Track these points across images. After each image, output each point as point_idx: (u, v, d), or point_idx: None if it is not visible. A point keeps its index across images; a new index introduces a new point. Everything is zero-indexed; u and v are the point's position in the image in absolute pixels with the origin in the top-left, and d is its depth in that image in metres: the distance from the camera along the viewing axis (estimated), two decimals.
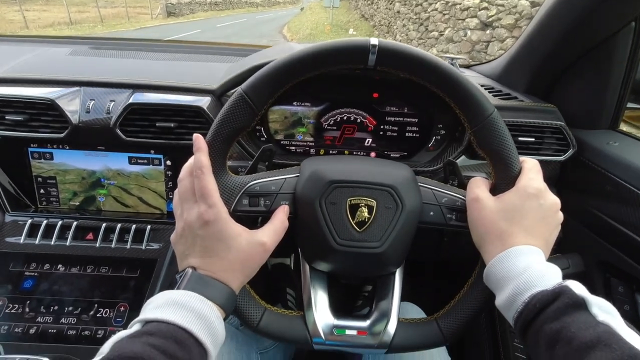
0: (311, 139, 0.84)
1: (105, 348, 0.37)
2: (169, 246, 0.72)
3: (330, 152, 0.85)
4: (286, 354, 0.90)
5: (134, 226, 0.73)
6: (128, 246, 0.72)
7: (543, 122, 0.79)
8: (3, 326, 0.65)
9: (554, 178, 0.87)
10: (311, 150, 0.85)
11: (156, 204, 0.78)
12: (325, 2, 14.98)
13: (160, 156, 0.76)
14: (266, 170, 0.61)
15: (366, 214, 0.53)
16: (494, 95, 0.87)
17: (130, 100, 0.72)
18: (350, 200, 0.54)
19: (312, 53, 0.51)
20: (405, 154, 0.85)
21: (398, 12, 10.68)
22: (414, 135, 0.84)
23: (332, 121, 0.83)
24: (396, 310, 0.57)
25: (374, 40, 0.50)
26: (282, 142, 0.84)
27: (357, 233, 0.53)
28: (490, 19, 6.43)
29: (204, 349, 0.39)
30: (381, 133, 0.84)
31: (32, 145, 0.75)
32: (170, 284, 0.69)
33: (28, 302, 0.67)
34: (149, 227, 0.73)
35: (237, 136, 0.54)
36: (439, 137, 0.84)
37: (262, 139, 0.82)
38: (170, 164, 0.77)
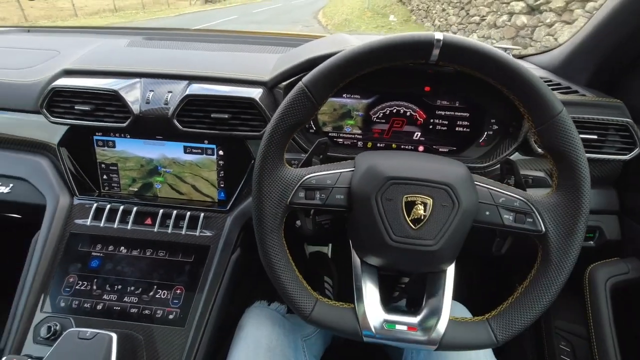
0: (359, 131, 0.84)
1: None
2: (221, 234, 0.75)
3: (378, 145, 0.85)
4: (325, 340, 0.93)
5: (188, 213, 0.76)
6: (183, 232, 0.75)
7: (608, 119, 0.74)
8: (74, 301, 0.71)
9: (613, 177, 0.83)
10: (358, 143, 0.85)
11: (208, 192, 0.81)
12: None
13: (214, 146, 0.79)
14: (320, 164, 0.62)
15: (422, 212, 0.53)
16: (553, 89, 0.83)
17: (187, 92, 0.74)
18: (407, 197, 0.53)
19: (375, 48, 0.50)
20: (455, 148, 0.83)
21: None
22: (465, 130, 0.82)
23: (381, 114, 0.82)
24: (447, 308, 0.56)
25: (439, 35, 0.49)
26: (330, 134, 0.84)
27: (413, 230, 0.53)
28: (538, 2, 6.04)
29: None
30: (430, 127, 0.82)
31: (97, 133, 0.80)
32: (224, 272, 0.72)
33: (95, 280, 0.72)
34: (202, 214, 0.76)
35: (296, 129, 0.55)
36: (490, 133, 0.81)
37: (311, 131, 0.83)
38: (222, 153, 0.79)
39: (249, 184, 0.78)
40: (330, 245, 1.52)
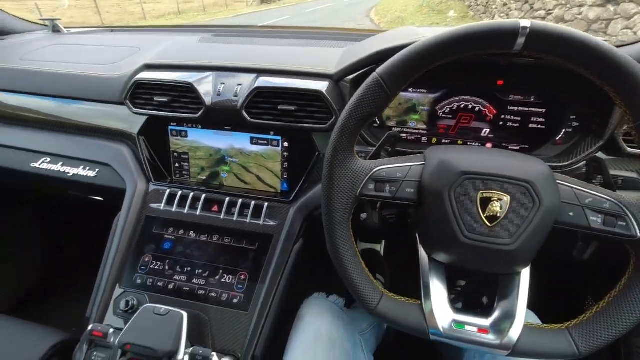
0: (424, 127, 0.82)
1: None
2: (284, 224, 0.77)
3: (443, 141, 0.82)
4: (378, 337, 0.92)
5: (253, 202, 0.79)
6: (248, 220, 0.78)
7: None
8: (149, 279, 0.76)
9: None
10: (423, 138, 0.82)
11: (272, 182, 0.83)
12: None
13: (279, 138, 0.81)
14: (388, 157, 0.62)
15: (498, 209, 0.51)
16: None
17: (257, 85, 0.76)
18: (482, 194, 0.51)
19: (455, 37, 0.49)
20: (527, 146, 0.78)
21: None
22: (539, 126, 0.77)
23: (448, 109, 0.79)
24: (522, 313, 0.53)
25: (525, 22, 0.46)
26: (393, 128, 0.83)
27: (488, 228, 0.51)
28: None
29: None
30: (501, 123, 0.78)
31: (172, 124, 0.85)
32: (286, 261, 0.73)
33: (167, 261, 0.77)
34: (266, 204, 0.78)
35: (368, 120, 0.55)
36: (570, 130, 0.75)
37: (375, 125, 0.82)
38: (287, 145, 0.81)
39: (312, 176, 0.79)
40: (383, 243, 1.50)
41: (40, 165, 0.91)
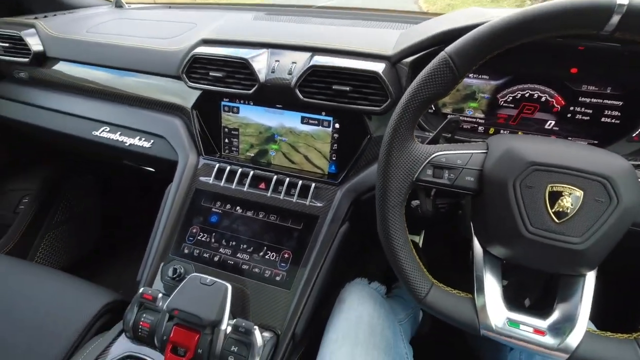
0: (482, 115, 0.77)
1: None
2: (331, 205, 0.76)
3: (501, 131, 0.77)
4: (413, 328, 0.90)
5: (300, 182, 0.78)
6: (294, 200, 0.77)
7: None
8: (196, 250, 0.78)
9: None
10: (479, 128, 0.78)
11: (319, 163, 0.82)
12: None
13: (330, 118, 0.79)
14: (445, 142, 0.59)
15: (569, 204, 0.47)
16: None
17: (312, 63, 0.75)
18: (552, 187, 0.47)
19: (538, 13, 0.45)
20: (596, 142, 0.72)
21: None
22: (613, 121, 0.70)
23: (511, 98, 0.75)
24: (585, 318, 0.49)
25: None
26: (449, 115, 0.79)
27: (555, 224, 0.47)
28: None
29: None
30: (569, 115, 0.72)
31: (224, 99, 0.86)
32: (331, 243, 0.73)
33: (214, 234, 0.79)
34: (313, 184, 0.78)
35: (432, 102, 0.52)
36: None
37: (429, 110, 0.79)
38: (338, 126, 0.79)
39: (362, 159, 0.77)
40: (422, 234, 1.47)
41: (100, 133, 0.95)
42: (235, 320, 0.65)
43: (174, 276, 0.75)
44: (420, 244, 1.45)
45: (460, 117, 0.78)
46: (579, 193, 0.47)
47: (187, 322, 0.64)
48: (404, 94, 0.52)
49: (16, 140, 1.17)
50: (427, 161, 0.53)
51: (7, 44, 1.03)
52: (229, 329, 0.65)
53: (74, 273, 0.92)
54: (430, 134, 0.72)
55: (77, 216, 1.42)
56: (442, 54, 0.50)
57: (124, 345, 0.70)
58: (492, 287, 0.53)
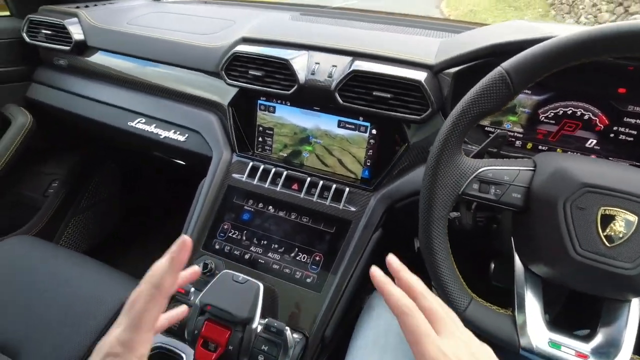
0: (520, 130, 0.77)
1: None
2: (364, 211, 0.76)
3: (540, 147, 0.76)
4: None
5: (334, 185, 0.79)
6: (327, 202, 0.78)
7: None
8: (227, 246, 0.79)
9: None
10: (517, 142, 0.77)
11: (353, 168, 0.82)
12: None
13: (368, 124, 0.79)
14: (491, 157, 0.58)
15: (622, 229, 0.46)
16: None
17: (353, 68, 0.75)
18: (605, 210, 0.47)
19: (604, 35, 0.44)
20: (638, 164, 0.71)
21: None
22: None
23: (552, 114, 0.74)
24: (631, 343, 0.49)
25: None
26: (486, 128, 0.79)
27: (605, 248, 0.47)
28: None
29: None
30: (612, 135, 0.71)
31: (261, 98, 0.86)
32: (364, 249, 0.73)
33: (245, 231, 0.79)
34: (347, 189, 0.78)
35: (484, 117, 0.52)
36: None
37: None
38: (375, 132, 0.79)
39: (398, 166, 0.77)
40: None
41: (135, 124, 0.96)
42: (267, 319, 0.66)
43: (205, 271, 0.75)
44: None
45: (498, 130, 0.77)
46: (633, 218, 0.46)
47: (219, 318, 0.65)
48: (452, 106, 0.52)
49: (52, 125, 1.19)
50: (473, 175, 0.53)
51: (50, 32, 1.05)
52: (260, 328, 0.65)
53: (95, 257, 0.94)
54: (471, 146, 0.71)
55: (101, 203, 1.45)
56: (498, 69, 0.50)
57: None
58: (533, 306, 0.53)
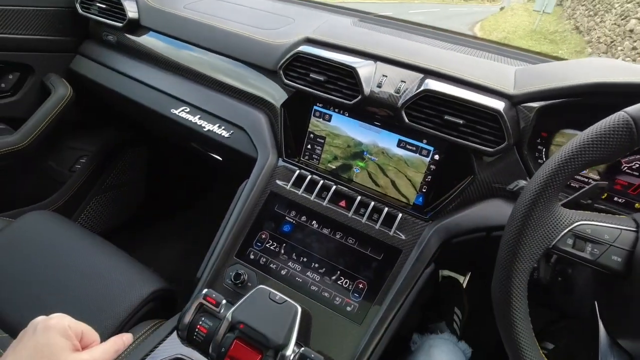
0: (596, 177, 0.70)
1: None
2: (417, 241, 0.70)
3: (615, 199, 0.69)
4: None
5: (386, 209, 0.73)
6: (377, 226, 0.72)
7: None
8: (262, 258, 0.73)
9: None
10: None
11: (407, 192, 0.76)
12: (536, 5, 13.25)
13: (431, 148, 0.73)
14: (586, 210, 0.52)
15: None
16: None
17: (426, 87, 0.69)
18: None
19: None
20: None
21: (631, 31, 8.75)
22: None
23: (638, 165, 0.67)
24: None
25: None
26: None
27: None
28: None
29: None
30: None
31: (318, 104, 0.81)
32: (414, 283, 0.66)
33: (284, 244, 0.74)
34: (400, 215, 0.72)
35: (593, 166, 0.46)
36: None
37: (539, 160, 0.72)
38: (437, 158, 0.73)
39: (458, 198, 0.71)
40: (468, 275, 1.39)
41: (179, 112, 0.92)
42: (302, 349, 0.60)
43: (237, 282, 0.70)
44: (464, 285, 1.37)
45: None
46: None
47: (251, 339, 0.59)
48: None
49: (90, 101, 1.16)
50: (569, 229, 0.47)
51: (104, 5, 1.01)
52: (294, 356, 0.60)
53: (110, 240, 0.90)
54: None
55: (125, 185, 1.41)
56: (621, 114, 0.43)
57: (174, 345, 0.65)
58: None
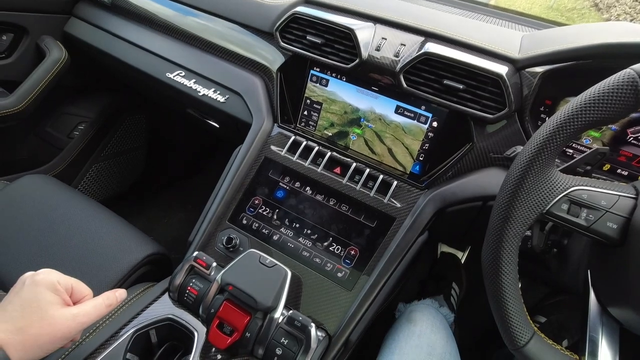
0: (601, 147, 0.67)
1: None
2: (411, 210, 0.68)
3: (618, 171, 0.67)
4: None
5: (381, 176, 0.71)
6: (371, 194, 0.70)
7: None
8: (255, 223, 0.73)
9: None
10: None
11: (403, 160, 0.75)
12: None
13: (429, 115, 0.71)
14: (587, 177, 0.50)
15: None
16: None
17: (426, 49, 0.66)
18: None
19: None
20: None
21: None
22: None
23: None
24: None
25: None
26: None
27: None
28: None
29: None
30: None
31: (315, 68, 0.78)
32: (406, 251, 0.66)
33: (277, 210, 0.73)
34: (395, 182, 0.70)
35: (595, 127, 0.43)
36: None
37: (538, 123, 0.69)
38: (436, 125, 0.71)
39: (455, 166, 0.69)
40: (467, 251, 1.38)
41: (174, 77, 0.90)
42: (291, 311, 0.60)
43: (229, 246, 0.70)
44: (463, 261, 1.37)
45: (578, 145, 0.68)
46: None
47: (240, 301, 0.59)
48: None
49: (87, 65, 1.14)
50: (564, 193, 0.45)
51: None
52: (282, 319, 0.60)
53: (110, 208, 0.90)
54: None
55: (124, 153, 1.40)
56: (628, 71, 0.41)
57: (165, 306, 0.66)
58: (605, 352, 0.45)
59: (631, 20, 9.29)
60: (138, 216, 1.48)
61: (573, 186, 0.45)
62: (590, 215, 0.45)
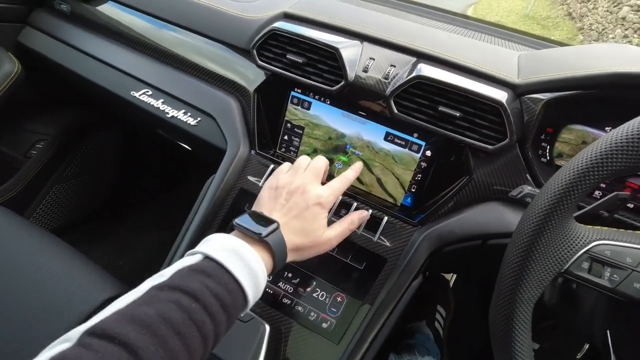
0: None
1: (168, 273, 0.40)
2: (404, 250, 0.62)
3: (627, 206, 0.62)
4: None
5: (370, 211, 0.64)
6: (359, 231, 0.63)
7: None
8: None
9: None
10: (595, 192, 0.63)
11: (394, 192, 0.68)
12: None
13: (423, 143, 0.64)
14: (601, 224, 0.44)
15: None
16: None
17: (418, 72, 0.60)
18: None
19: None
20: None
21: (623, 18, 8.70)
22: None
23: None
24: None
25: None
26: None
27: None
28: None
29: (246, 303, 0.42)
30: None
31: (296, 89, 0.71)
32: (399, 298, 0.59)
33: None
34: (386, 218, 0.64)
35: (622, 175, 0.38)
36: None
37: (542, 159, 0.64)
38: (429, 154, 0.65)
39: (454, 200, 0.63)
40: (455, 275, 1.33)
41: (140, 95, 0.81)
42: None
43: None
44: (451, 285, 1.32)
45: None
46: None
47: None
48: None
49: (45, 77, 1.03)
50: (584, 249, 0.39)
51: None
52: None
53: (71, 232, 0.80)
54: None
55: (89, 173, 1.29)
56: None
57: None
58: None
59: (602, 29, 9.60)
60: (108, 238, 1.36)
61: (594, 240, 0.39)
62: (615, 276, 0.39)
